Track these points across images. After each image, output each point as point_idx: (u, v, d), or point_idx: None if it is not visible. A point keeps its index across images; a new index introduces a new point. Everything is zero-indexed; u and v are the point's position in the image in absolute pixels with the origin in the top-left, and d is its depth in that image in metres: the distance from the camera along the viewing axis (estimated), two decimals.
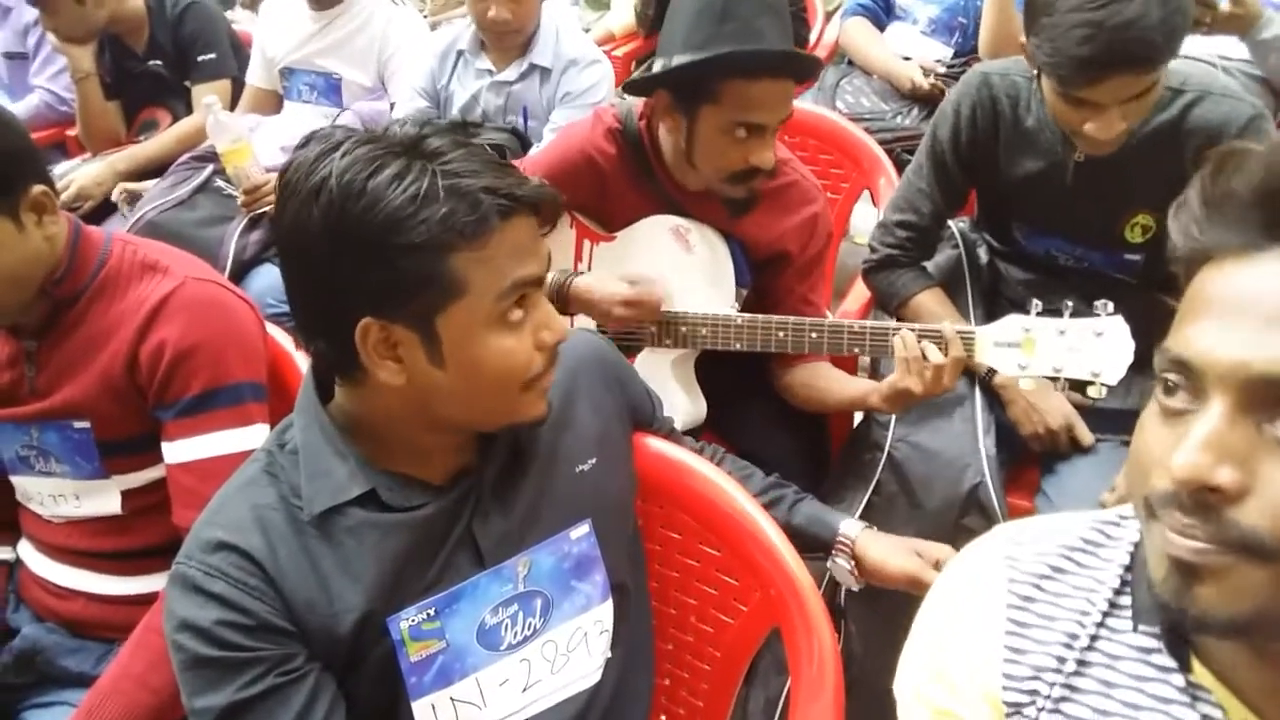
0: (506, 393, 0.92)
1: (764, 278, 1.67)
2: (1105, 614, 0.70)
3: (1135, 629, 0.68)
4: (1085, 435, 1.53)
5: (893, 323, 1.40)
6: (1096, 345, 1.29)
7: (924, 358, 1.37)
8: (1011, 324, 1.36)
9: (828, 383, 1.61)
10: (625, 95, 1.62)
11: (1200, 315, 0.59)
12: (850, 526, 1.24)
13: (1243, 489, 0.55)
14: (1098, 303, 1.29)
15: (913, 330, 1.39)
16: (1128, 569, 0.71)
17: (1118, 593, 0.70)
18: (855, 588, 1.24)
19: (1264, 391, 0.55)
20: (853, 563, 1.22)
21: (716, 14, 1.40)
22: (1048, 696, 0.70)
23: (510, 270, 0.87)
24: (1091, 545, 0.73)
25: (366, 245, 0.83)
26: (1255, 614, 0.57)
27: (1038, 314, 1.33)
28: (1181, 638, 0.66)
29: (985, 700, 0.72)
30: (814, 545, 1.24)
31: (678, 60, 1.44)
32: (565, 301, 1.59)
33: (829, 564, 1.25)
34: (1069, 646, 0.70)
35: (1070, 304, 1.31)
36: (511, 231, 0.87)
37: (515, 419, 0.95)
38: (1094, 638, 0.70)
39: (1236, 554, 0.56)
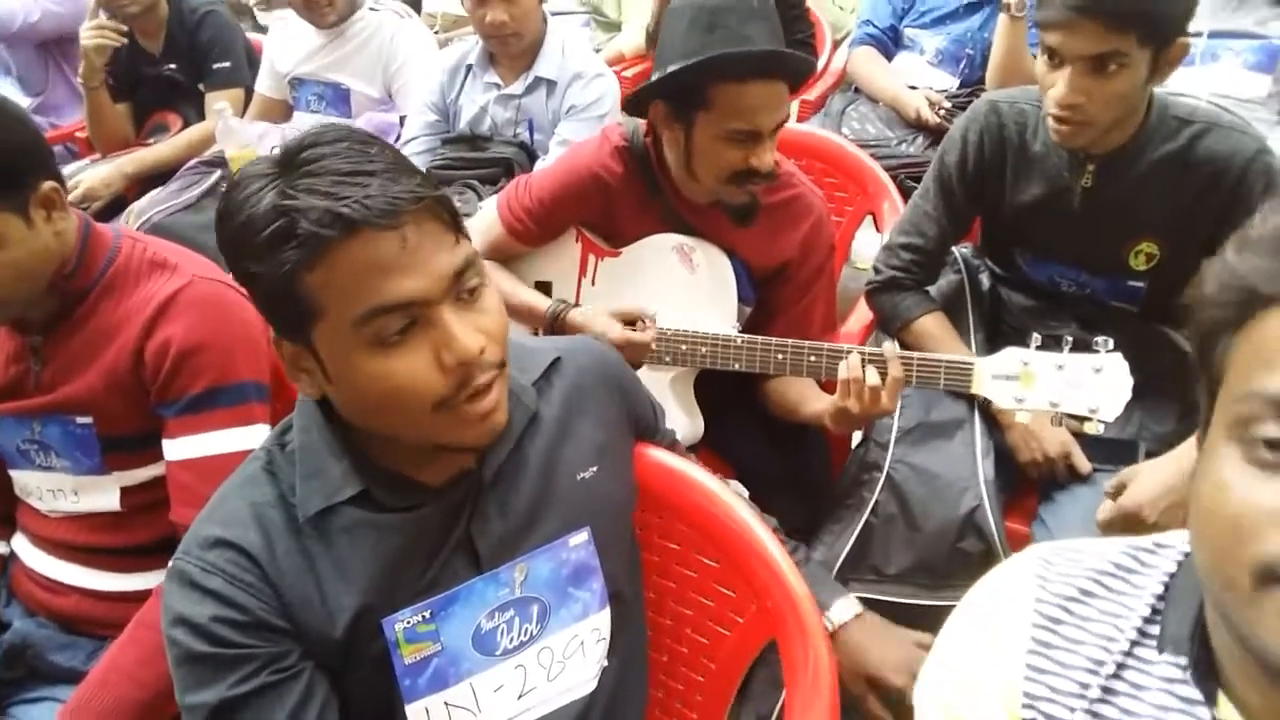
0: (413, 415, 0.85)
1: (766, 291, 1.68)
2: (1134, 642, 0.69)
3: (1160, 651, 0.68)
4: (1083, 463, 1.54)
5: (887, 349, 1.41)
6: (1095, 381, 1.30)
7: (863, 380, 1.37)
8: (1010, 357, 1.36)
9: (798, 396, 1.62)
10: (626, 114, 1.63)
11: None
12: (841, 610, 1.23)
13: None
14: (1097, 339, 1.29)
15: (861, 354, 1.41)
16: (1160, 598, 0.70)
17: (1148, 621, 0.70)
18: None
19: None
20: None
21: (705, 24, 1.43)
22: None
23: (367, 293, 0.80)
24: (1124, 571, 0.73)
25: (233, 264, 0.86)
26: None
27: (1037, 347, 1.34)
28: (1211, 672, 0.65)
29: (1006, 715, 0.72)
30: None
31: (672, 69, 1.46)
32: (561, 332, 1.62)
33: None
34: (1093, 672, 0.70)
35: (1070, 338, 1.32)
36: (362, 249, 0.79)
37: (445, 441, 0.89)
38: (1121, 665, 0.69)
39: None
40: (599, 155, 1.64)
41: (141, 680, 1.16)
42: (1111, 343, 1.29)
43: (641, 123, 1.63)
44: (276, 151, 0.84)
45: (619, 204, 1.65)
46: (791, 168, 1.67)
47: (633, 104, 1.57)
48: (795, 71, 1.47)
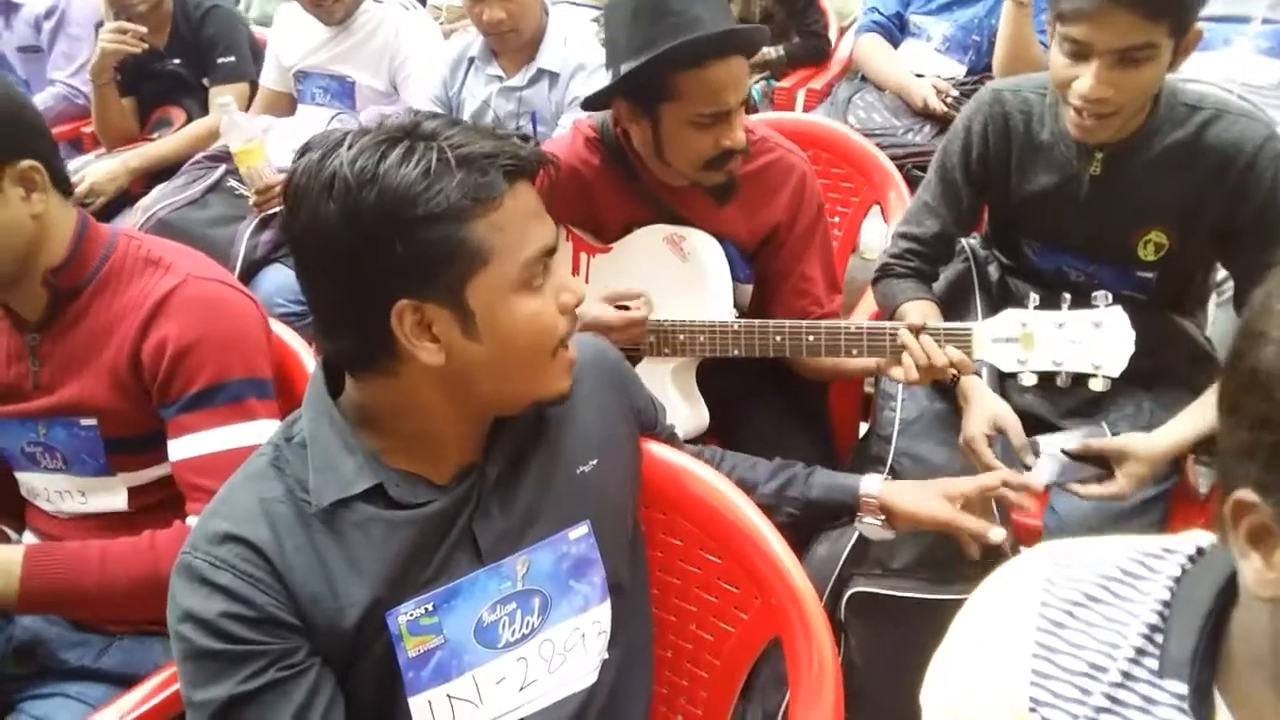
0: (540, 360, 0.94)
1: (760, 263, 1.67)
2: (1139, 650, 0.68)
3: (1161, 676, 0.67)
4: (1016, 437, 1.44)
5: (888, 324, 1.39)
6: (1096, 336, 1.28)
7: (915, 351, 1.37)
8: (1009, 319, 1.34)
9: (834, 361, 1.59)
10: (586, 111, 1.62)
11: None
12: (871, 484, 1.26)
13: None
14: (1096, 293, 1.27)
15: (870, 329, 1.40)
16: (1166, 605, 0.69)
17: (1155, 630, 0.69)
18: (891, 537, 1.28)
19: None
20: (882, 518, 1.25)
21: (650, 14, 1.42)
22: None
23: (532, 237, 0.90)
24: (1130, 576, 0.72)
25: (387, 225, 0.84)
26: None
27: (1035, 307, 1.32)
28: (1208, 698, 0.65)
29: (1016, 717, 0.71)
30: (838, 512, 1.28)
31: (625, 66, 1.45)
32: None
33: (857, 524, 1.28)
34: (1093, 678, 0.69)
35: (1068, 295, 1.30)
36: (522, 196, 0.89)
37: (544, 392, 0.96)
38: (1126, 675, 0.68)
39: None
40: (573, 150, 1.64)
41: (93, 573, 1.18)
42: (1110, 296, 1.27)
43: (609, 112, 1.62)
44: (371, 127, 0.87)
45: (599, 195, 1.65)
46: (766, 132, 1.66)
47: (593, 104, 1.56)
48: (751, 44, 1.48)
